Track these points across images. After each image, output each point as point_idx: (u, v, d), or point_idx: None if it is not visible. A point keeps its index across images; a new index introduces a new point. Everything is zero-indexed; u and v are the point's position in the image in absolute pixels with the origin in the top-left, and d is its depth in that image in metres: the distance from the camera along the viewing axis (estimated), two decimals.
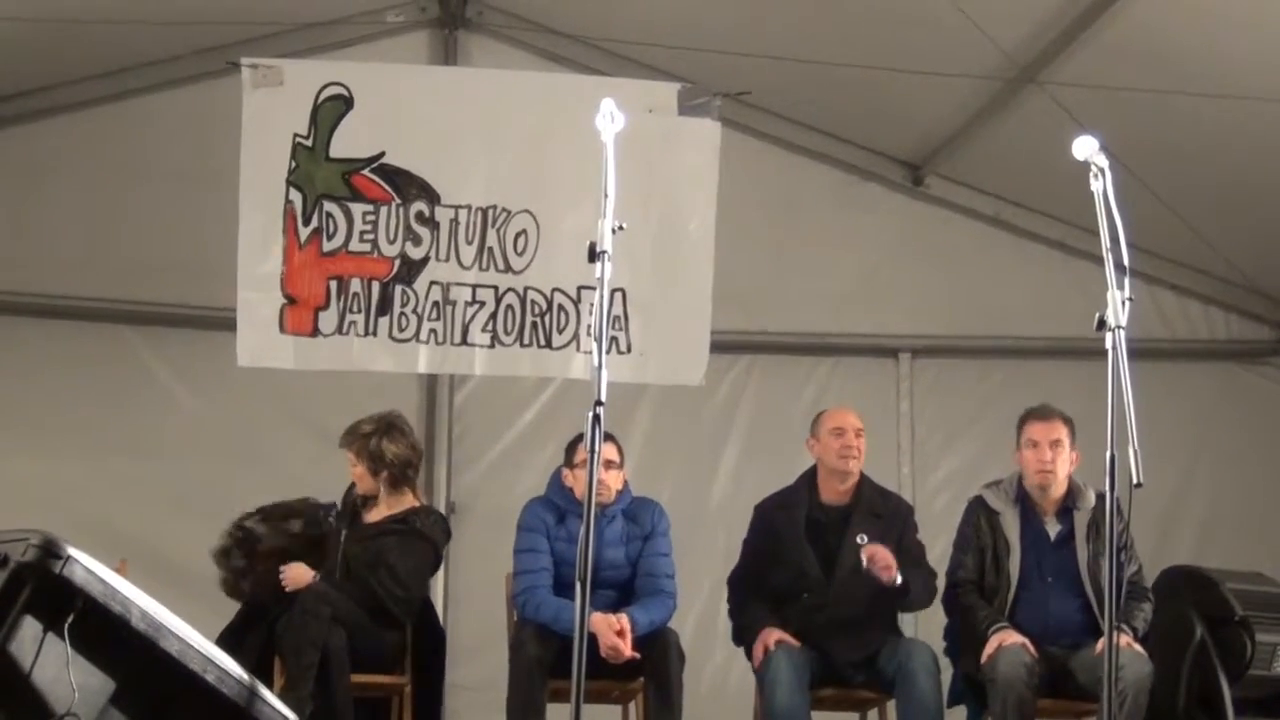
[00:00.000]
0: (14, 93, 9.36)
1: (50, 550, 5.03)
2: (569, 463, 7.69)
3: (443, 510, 9.11)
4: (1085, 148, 5.49)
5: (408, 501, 7.84)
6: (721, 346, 8.88)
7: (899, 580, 7.42)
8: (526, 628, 7.39)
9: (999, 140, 9.27)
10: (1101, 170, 5.45)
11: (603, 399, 5.23)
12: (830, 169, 9.89)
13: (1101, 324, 5.34)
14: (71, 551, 5.02)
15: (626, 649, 7.27)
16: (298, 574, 7.62)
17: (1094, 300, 5.40)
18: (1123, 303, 5.36)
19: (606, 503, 7.54)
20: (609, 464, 7.47)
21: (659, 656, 7.36)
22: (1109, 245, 5.39)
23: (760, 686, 7.53)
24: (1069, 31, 8.12)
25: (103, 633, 5.05)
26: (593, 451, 5.32)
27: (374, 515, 7.84)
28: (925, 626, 8.19)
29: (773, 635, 7.45)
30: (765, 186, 9.68)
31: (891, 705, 7.58)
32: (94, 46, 9.03)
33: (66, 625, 4.96)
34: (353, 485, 7.96)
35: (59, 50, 8.97)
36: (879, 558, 7.36)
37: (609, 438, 7.33)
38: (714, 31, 8.82)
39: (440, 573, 8.69)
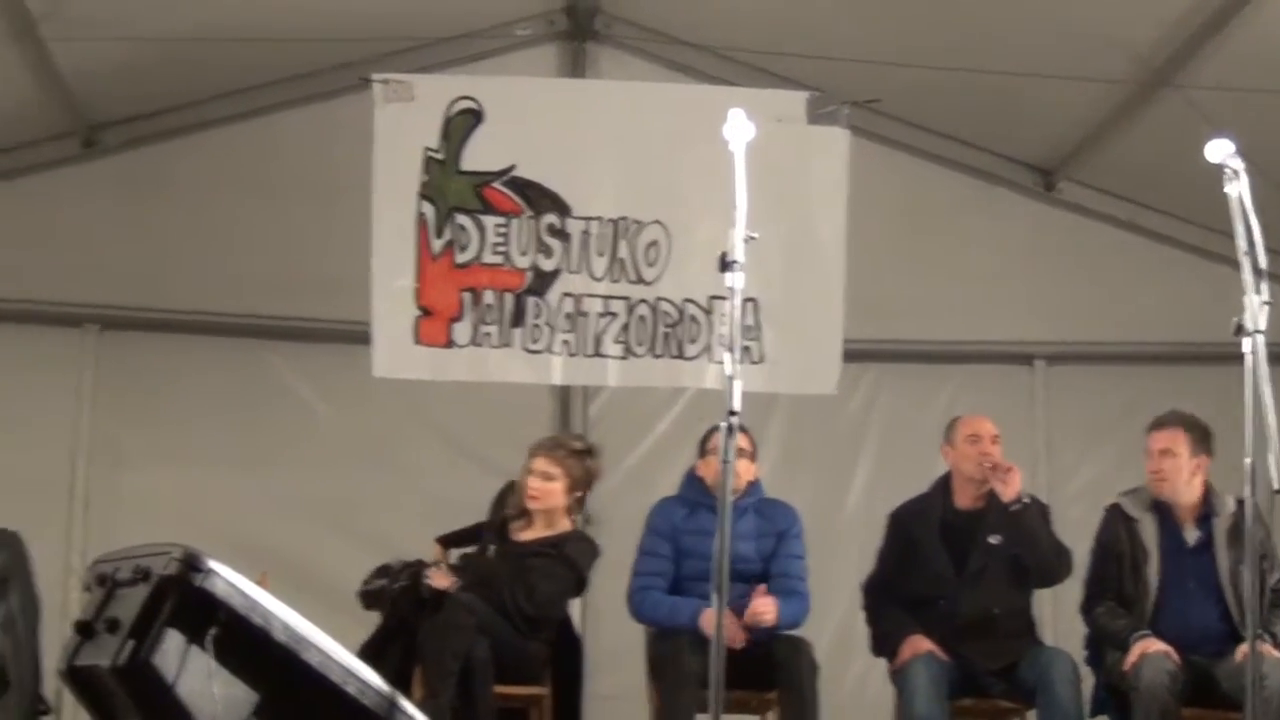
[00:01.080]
0: (150, 111, 9.52)
1: (192, 564, 5.11)
2: (701, 452, 7.74)
3: (580, 522, 9.18)
4: (1220, 150, 5.45)
5: (564, 524, 7.84)
6: (854, 355, 8.85)
7: (1024, 499, 7.44)
8: (675, 638, 7.39)
9: (1132, 144, 9.20)
10: (1236, 173, 5.41)
11: (736, 409, 5.26)
12: (961, 175, 9.86)
13: (1239, 329, 5.31)
14: (213, 565, 5.10)
15: (743, 633, 7.29)
16: (439, 577, 7.61)
17: (1231, 305, 5.36)
18: (1260, 307, 5.32)
19: (736, 491, 7.55)
20: (740, 452, 7.47)
21: (792, 666, 7.36)
22: (1245, 249, 5.35)
23: (898, 695, 7.52)
24: (1201, 34, 8.05)
25: (245, 645, 5.12)
26: (726, 461, 5.35)
27: (527, 534, 7.83)
28: (1065, 636, 8.14)
29: (921, 643, 7.45)
30: (896, 194, 9.64)
31: (1032, 715, 7.52)
32: (227, 64, 9.16)
33: (209, 638, 5.04)
34: (502, 496, 7.96)
35: (194, 69, 9.12)
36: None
37: (741, 427, 7.35)
38: (842, 39, 8.81)
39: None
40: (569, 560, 7.73)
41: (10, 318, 9.38)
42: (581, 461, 7.85)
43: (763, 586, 7.50)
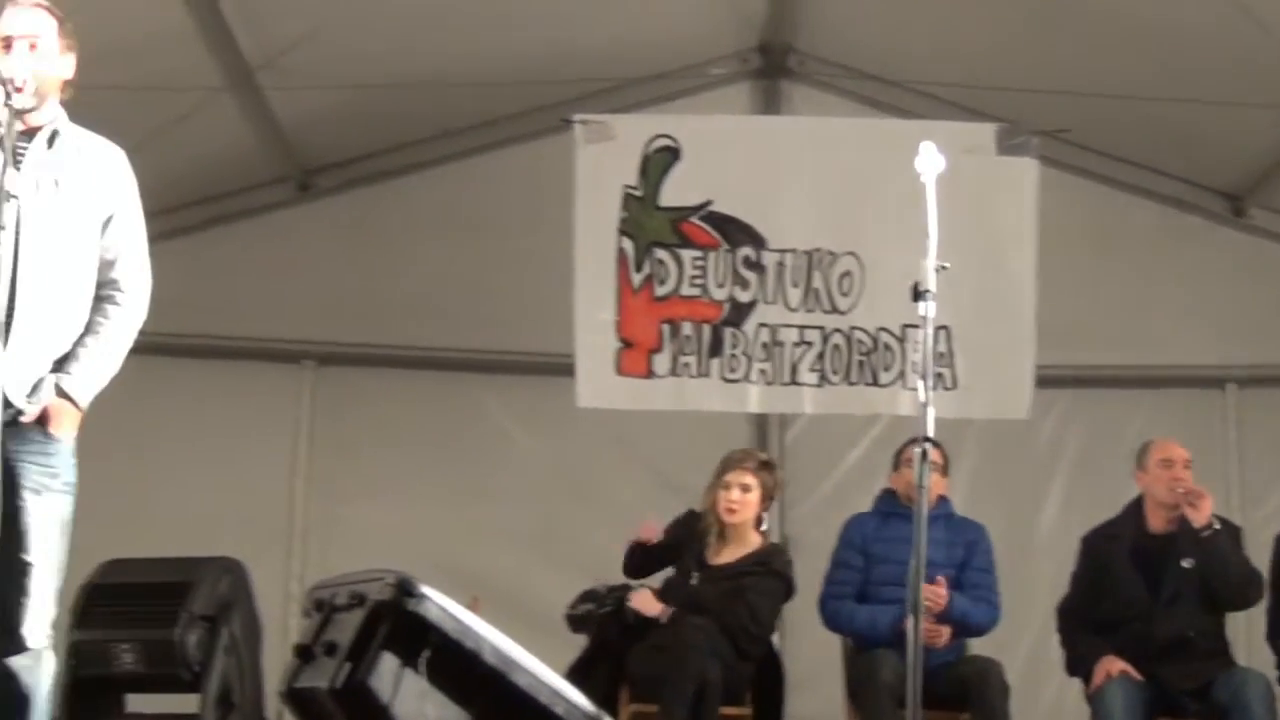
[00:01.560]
0: (362, 155, 9.88)
1: (405, 589, 5.30)
2: (895, 464, 7.90)
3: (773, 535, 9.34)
4: None
5: (756, 539, 7.91)
6: (1045, 381, 8.90)
7: (1214, 525, 7.42)
8: (873, 658, 7.47)
9: None
10: None
11: (930, 435, 5.36)
12: (1150, 202, 9.86)
13: None
14: (425, 590, 5.28)
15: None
16: (645, 601, 7.73)
17: None
18: None
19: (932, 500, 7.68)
20: (932, 465, 7.57)
21: (981, 687, 7.39)
22: None
23: (1094, 717, 7.49)
24: None
25: (456, 667, 5.31)
26: (921, 486, 5.46)
27: (724, 555, 7.86)
28: (1259, 656, 8.12)
29: (1115, 664, 7.41)
30: (1086, 221, 9.66)
31: None
32: (434, 109, 9.47)
33: (422, 660, 5.26)
34: (686, 519, 8.04)
35: (402, 113, 9.44)
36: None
37: (934, 442, 7.46)
38: (1031, 70, 8.86)
39: None
40: (781, 574, 7.84)
41: (232, 354, 9.75)
42: (772, 473, 7.95)
43: (941, 578, 7.55)
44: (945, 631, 7.51)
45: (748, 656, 7.71)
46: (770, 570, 7.81)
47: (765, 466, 7.94)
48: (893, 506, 7.85)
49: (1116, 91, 8.76)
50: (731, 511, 7.79)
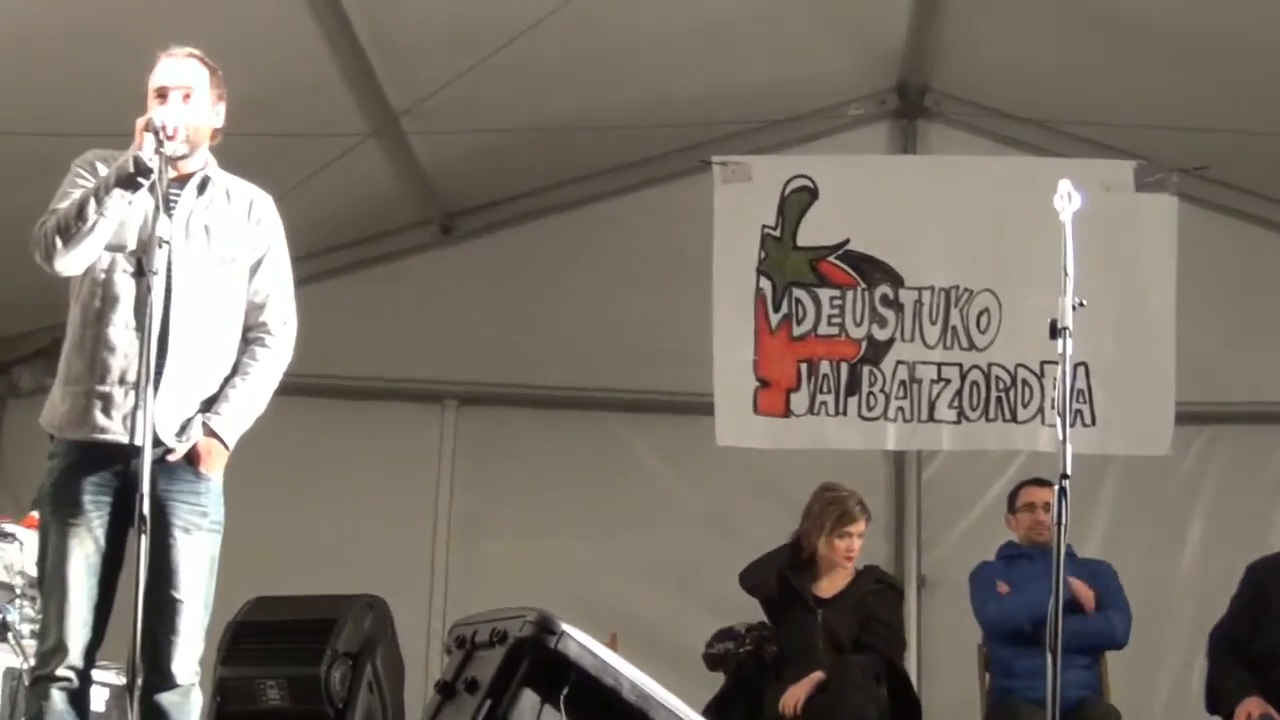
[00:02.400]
0: (503, 198, 10.02)
1: (545, 626, 5.34)
2: (1010, 508, 7.90)
3: (913, 584, 9.33)
4: None
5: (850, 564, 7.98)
6: (1185, 418, 8.82)
7: None
8: (1012, 702, 7.49)
9: None
10: None
11: (1068, 472, 5.35)
12: None
13: None
14: (565, 627, 5.31)
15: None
16: (799, 692, 7.59)
17: None
18: None
19: (1043, 542, 7.69)
20: (1046, 506, 7.61)
21: None
22: None
23: None
24: None
25: (596, 704, 5.29)
26: (1059, 524, 5.45)
27: (833, 584, 7.90)
28: None
29: (1258, 708, 7.24)
30: (1226, 257, 9.58)
31: None
32: (575, 152, 9.59)
33: (562, 697, 5.26)
34: (792, 561, 8.01)
35: (543, 156, 9.57)
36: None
37: (1047, 483, 7.46)
38: (1167, 106, 8.83)
39: (913, 643, 8.88)
40: (893, 586, 7.99)
41: (376, 395, 9.91)
42: (867, 511, 8.02)
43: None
44: (1090, 594, 7.49)
45: (897, 672, 7.77)
46: (885, 585, 7.92)
47: (864, 505, 7.99)
48: (1015, 550, 7.89)
49: (1255, 128, 8.72)
50: (850, 558, 7.89)
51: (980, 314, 8.69)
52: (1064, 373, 5.43)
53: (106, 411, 5.01)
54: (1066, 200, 5.50)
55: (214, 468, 5.14)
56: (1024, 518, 7.96)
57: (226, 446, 5.18)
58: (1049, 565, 5.56)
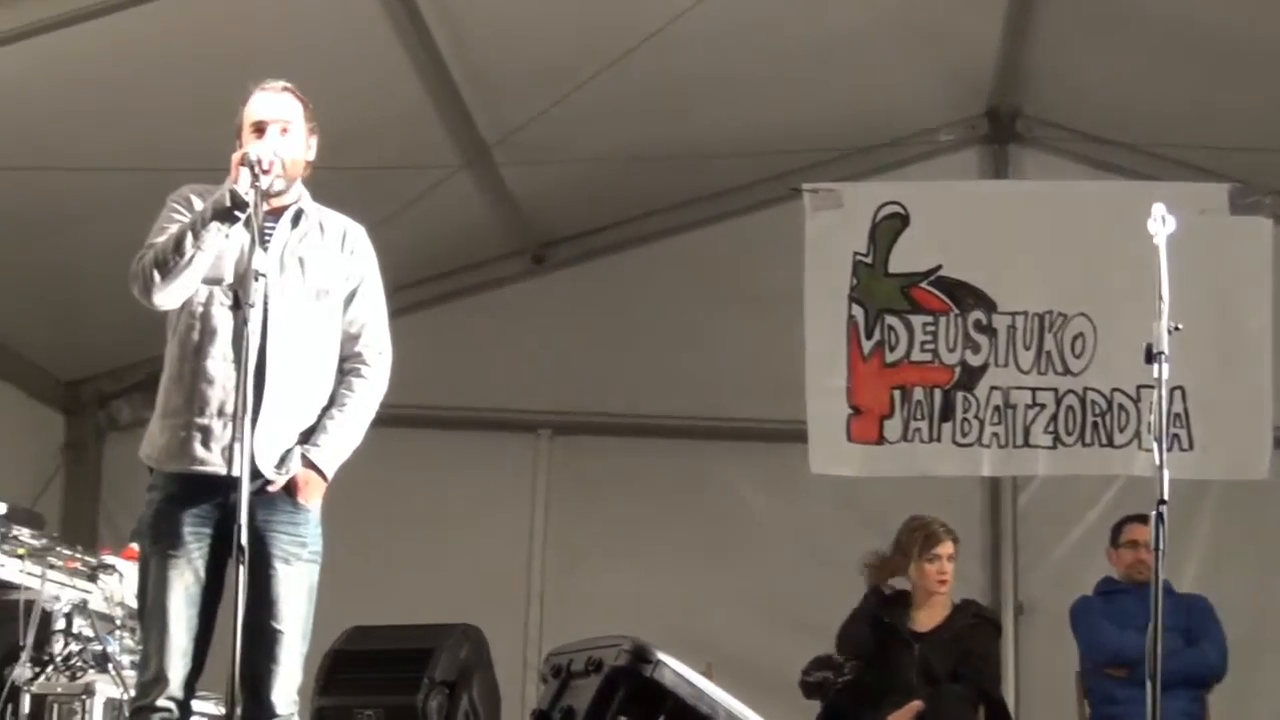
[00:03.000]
0: (594, 228, 10.11)
1: (641, 655, 5.36)
2: (1114, 542, 7.84)
3: (1010, 611, 9.27)
4: None
5: (946, 599, 7.90)
6: None
7: None
8: None
9: None
10: None
11: (1165, 497, 5.32)
12: None
13: None
14: (661, 656, 5.34)
15: None
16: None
17: None
18: None
19: (1143, 580, 7.63)
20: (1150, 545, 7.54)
21: None
22: None
23: None
24: None
25: None
26: (1157, 549, 5.42)
27: (930, 616, 7.85)
28: None
29: None
30: None
31: None
32: (665, 181, 9.63)
33: None
34: (869, 605, 7.93)
35: (633, 186, 9.64)
36: None
37: (1145, 519, 7.40)
38: (1261, 129, 8.79)
39: (1011, 671, 8.83)
40: (991, 620, 7.93)
41: (469, 425, 9.99)
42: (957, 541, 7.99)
43: None
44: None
45: (994, 702, 7.76)
46: (982, 619, 7.87)
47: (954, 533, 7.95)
48: (1113, 585, 7.83)
49: None
50: (943, 582, 7.81)
51: (1075, 338, 8.65)
52: (1160, 397, 5.40)
53: (205, 443, 5.06)
54: (1161, 224, 5.48)
55: (312, 499, 5.18)
56: (1126, 554, 7.91)
57: (325, 478, 5.21)
58: (1149, 602, 5.52)
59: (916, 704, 7.52)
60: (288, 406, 5.15)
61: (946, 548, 7.82)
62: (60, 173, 7.84)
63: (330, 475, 5.22)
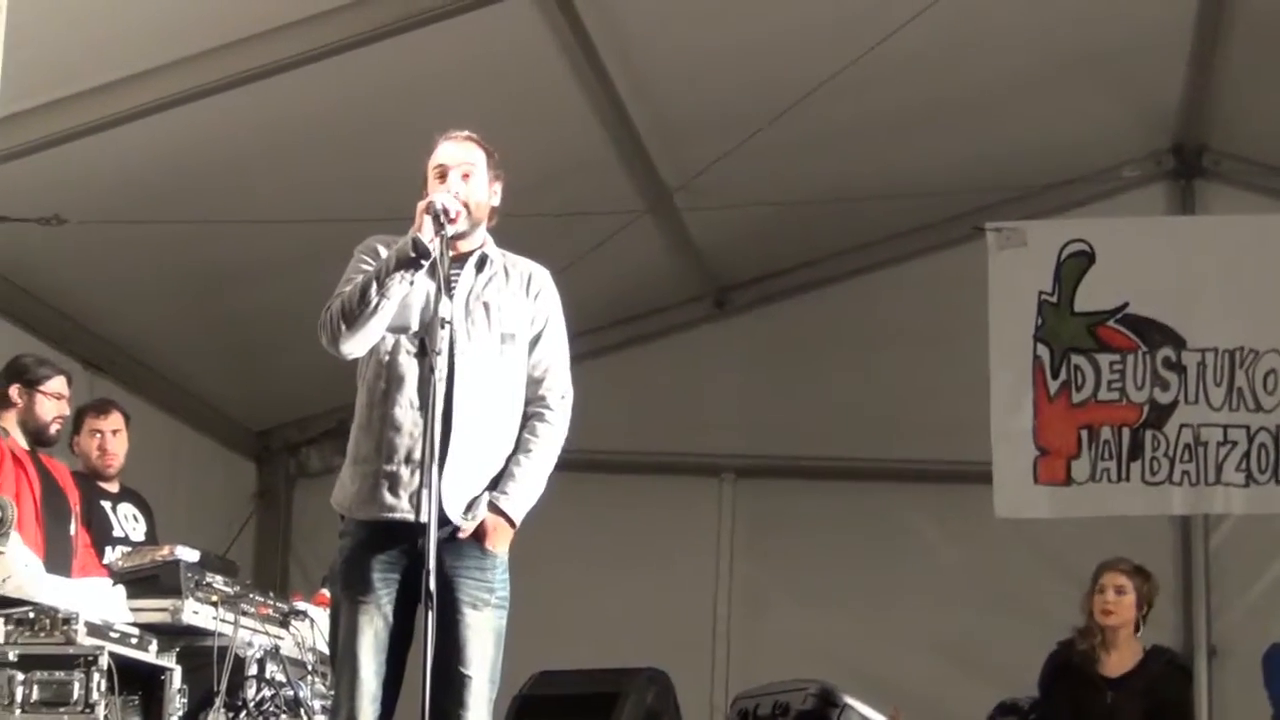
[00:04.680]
0: (775, 271, 10.17)
1: (828, 699, 5.41)
2: None
3: (1203, 654, 9.12)
4: None
5: (1135, 646, 7.78)
6: None
7: None
8: None
9: None
10: None
11: None
12: None
13: None
14: (848, 699, 5.37)
15: None
16: None
17: None
18: None
19: None
20: None
21: None
22: None
23: None
24: None
25: None
26: None
27: (1121, 661, 7.75)
28: None
29: None
30: None
31: None
32: (846, 223, 9.65)
33: None
34: (1068, 645, 7.84)
35: (815, 229, 9.66)
36: None
37: None
38: None
39: (1204, 717, 8.68)
40: (1183, 667, 7.85)
41: (655, 469, 10.05)
42: (1146, 579, 7.82)
43: None
44: None
45: None
46: (1175, 666, 7.80)
47: (1139, 571, 7.83)
48: None
49: None
50: (1107, 613, 7.70)
51: (1267, 375, 8.51)
52: None
53: (394, 491, 5.11)
54: None
55: (500, 545, 5.21)
56: None
57: (513, 525, 5.24)
58: None
59: None
60: (475, 452, 5.18)
61: (1113, 579, 7.73)
62: (249, 225, 8.01)
63: (518, 522, 5.25)
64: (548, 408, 5.35)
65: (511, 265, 5.39)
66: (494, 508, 5.18)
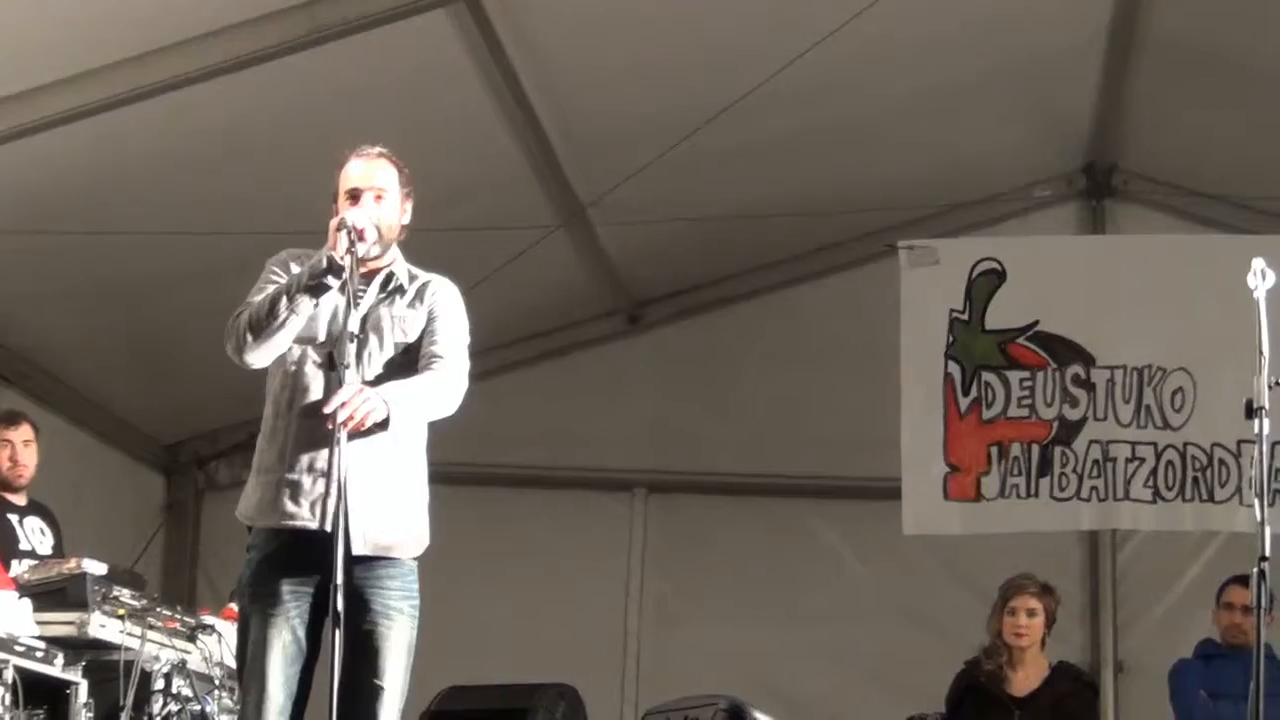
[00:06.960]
0: (688, 287, 10.15)
1: (737, 714, 5.40)
2: (1217, 602, 7.75)
3: (1110, 670, 9.18)
4: None
5: (1043, 663, 7.72)
6: None
7: None
8: None
9: None
10: None
11: (1267, 554, 5.26)
12: None
13: None
14: (757, 714, 5.37)
15: None
16: None
17: None
18: None
19: (1239, 644, 7.53)
20: (1246, 609, 7.43)
21: None
22: None
23: None
24: None
25: None
26: (1259, 606, 5.35)
27: (1026, 680, 7.68)
28: None
29: None
30: None
31: None
32: (759, 240, 9.65)
33: None
34: (974, 665, 7.75)
35: (728, 246, 9.66)
36: None
37: (1246, 580, 7.30)
38: None
39: None
40: (1090, 684, 7.84)
41: (566, 484, 9.98)
42: (1053, 596, 7.77)
43: None
44: None
45: None
46: (1082, 684, 7.76)
47: (1046, 590, 7.80)
48: (1214, 649, 7.73)
49: None
50: (1019, 635, 7.65)
51: (1174, 393, 8.60)
52: (1261, 452, 5.35)
53: (295, 499, 5.06)
54: (1260, 278, 5.43)
55: (358, 409, 4.88)
56: (1223, 616, 7.80)
57: (387, 408, 4.95)
58: (1249, 668, 5.43)
59: None
60: (378, 466, 5.14)
61: (1024, 601, 7.67)
62: (158, 238, 7.95)
63: (393, 413, 4.97)
64: (439, 358, 5.15)
65: (415, 280, 5.35)
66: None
